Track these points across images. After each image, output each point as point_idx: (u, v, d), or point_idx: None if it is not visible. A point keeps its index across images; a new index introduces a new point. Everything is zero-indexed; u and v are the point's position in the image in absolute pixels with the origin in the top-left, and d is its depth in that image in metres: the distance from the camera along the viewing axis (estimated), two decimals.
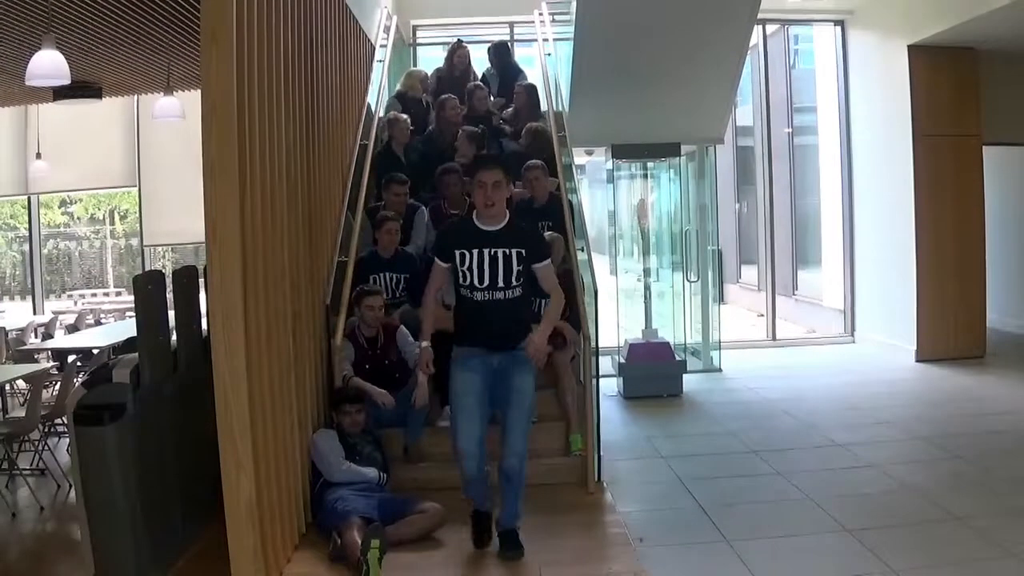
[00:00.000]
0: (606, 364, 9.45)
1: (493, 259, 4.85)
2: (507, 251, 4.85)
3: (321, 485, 5.49)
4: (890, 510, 5.76)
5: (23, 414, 6.91)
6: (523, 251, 4.88)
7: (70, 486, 6.57)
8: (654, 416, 8.69)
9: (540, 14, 10.61)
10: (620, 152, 10.63)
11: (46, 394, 7.76)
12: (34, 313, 14.22)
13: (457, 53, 10.01)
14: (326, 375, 6.32)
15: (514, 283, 4.88)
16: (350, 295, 6.58)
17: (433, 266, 5.04)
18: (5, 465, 6.87)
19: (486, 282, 4.85)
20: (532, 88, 9.35)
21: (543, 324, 4.97)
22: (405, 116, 8.72)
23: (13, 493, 6.76)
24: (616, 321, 10.58)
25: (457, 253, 4.88)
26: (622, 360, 9.77)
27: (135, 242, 17.91)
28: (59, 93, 9.21)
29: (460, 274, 4.89)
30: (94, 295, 18.96)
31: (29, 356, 9.02)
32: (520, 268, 4.88)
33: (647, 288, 10.53)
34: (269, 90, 5.04)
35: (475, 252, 4.85)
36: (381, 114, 9.21)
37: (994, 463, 6.69)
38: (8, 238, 22.86)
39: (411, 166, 8.25)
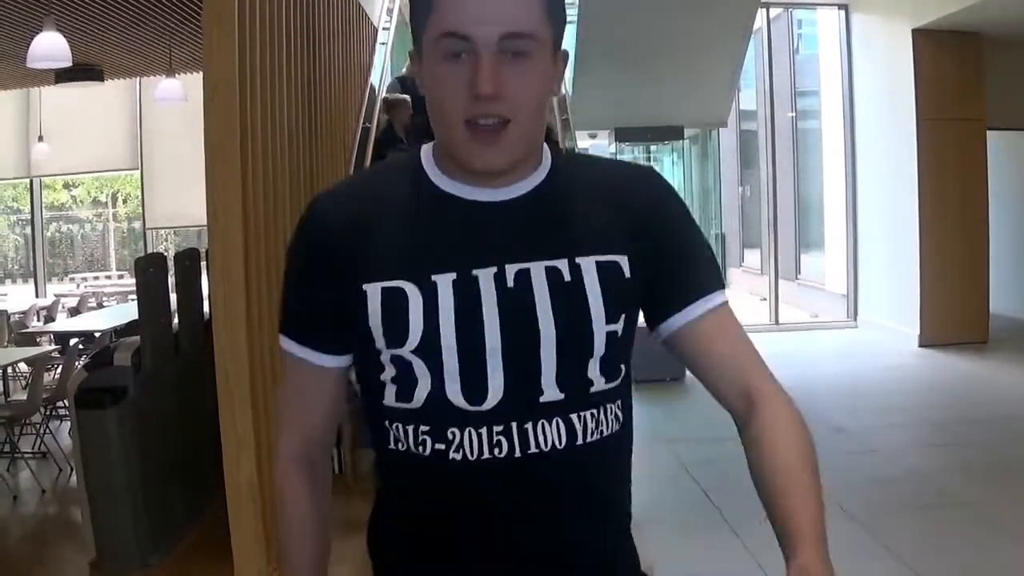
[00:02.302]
0: None
1: (512, 299, 1.32)
2: (564, 265, 1.35)
3: None
4: (895, 496, 5.75)
5: (24, 397, 6.91)
6: (618, 259, 1.39)
7: (71, 469, 6.57)
8: (656, 399, 8.64)
9: None
10: (623, 135, 10.63)
11: (48, 377, 7.75)
12: (36, 296, 14.25)
13: None
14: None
15: (602, 383, 1.41)
16: None
17: (287, 365, 1.51)
18: (7, 448, 6.87)
19: (498, 387, 1.31)
20: None
21: (806, 528, 1.27)
22: (405, 96, 8.67)
23: (14, 476, 6.76)
24: None
25: (369, 292, 1.33)
26: None
27: (137, 225, 17.91)
28: (60, 76, 9.18)
29: (388, 372, 1.35)
30: (96, 278, 18.98)
31: (31, 339, 9.04)
32: (620, 327, 1.42)
33: None
34: (271, 73, 5.01)
35: (446, 281, 1.32)
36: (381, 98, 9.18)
37: (1001, 449, 6.67)
38: (10, 221, 22.87)
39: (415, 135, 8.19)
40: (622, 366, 1.46)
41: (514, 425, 1.31)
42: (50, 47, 6.77)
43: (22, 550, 5.50)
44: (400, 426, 1.36)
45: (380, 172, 1.60)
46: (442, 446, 1.32)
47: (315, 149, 6.21)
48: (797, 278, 14.89)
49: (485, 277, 1.32)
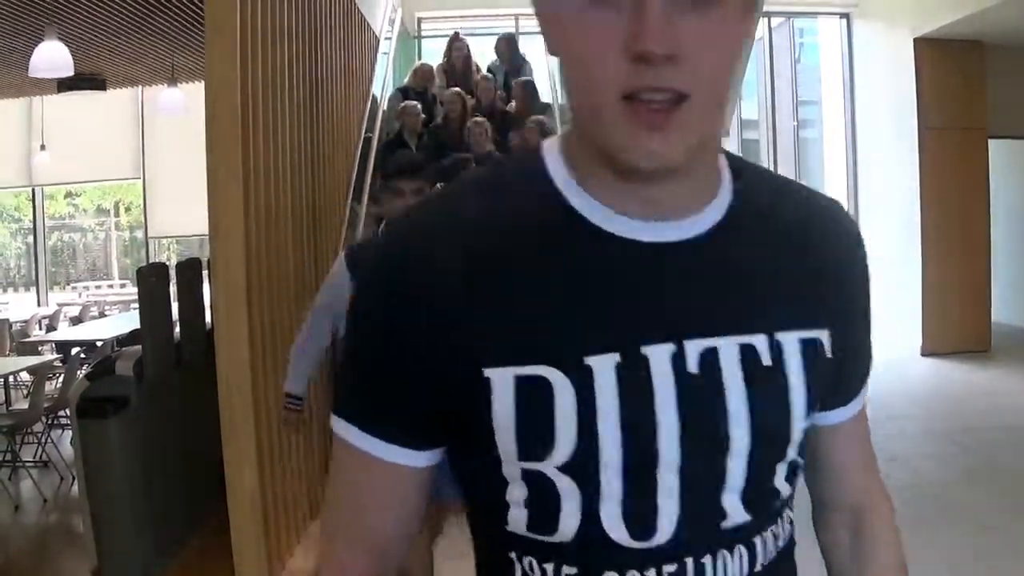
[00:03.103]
0: None
1: (696, 391, 0.92)
2: (763, 343, 0.96)
3: None
4: (897, 505, 5.71)
5: (26, 406, 6.91)
6: (819, 334, 1.01)
7: (73, 478, 6.57)
8: None
9: None
10: None
11: (49, 386, 7.75)
12: (38, 305, 14.26)
13: (454, 47, 9.94)
14: (330, 366, 6.30)
15: (787, 490, 1.10)
16: None
17: (343, 456, 1.00)
18: (8, 457, 6.86)
19: (672, 515, 0.94)
20: (529, 83, 9.28)
21: None
22: (416, 103, 8.65)
23: (16, 485, 6.75)
24: None
25: (496, 380, 0.90)
26: None
27: (140, 234, 17.91)
28: (63, 84, 9.20)
29: (517, 491, 0.94)
30: (98, 287, 19.00)
31: (33, 348, 9.05)
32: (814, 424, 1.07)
33: None
34: (274, 82, 5.02)
35: (607, 365, 0.90)
36: (385, 107, 9.18)
37: (1004, 458, 6.65)
38: (12, 230, 22.88)
39: (424, 150, 8.17)
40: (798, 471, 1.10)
41: (689, 561, 0.95)
42: (52, 56, 6.78)
43: (24, 559, 5.49)
44: (534, 562, 0.96)
45: (488, 186, 1.01)
46: None
47: (317, 158, 6.22)
48: None
49: (659, 358, 0.92)
